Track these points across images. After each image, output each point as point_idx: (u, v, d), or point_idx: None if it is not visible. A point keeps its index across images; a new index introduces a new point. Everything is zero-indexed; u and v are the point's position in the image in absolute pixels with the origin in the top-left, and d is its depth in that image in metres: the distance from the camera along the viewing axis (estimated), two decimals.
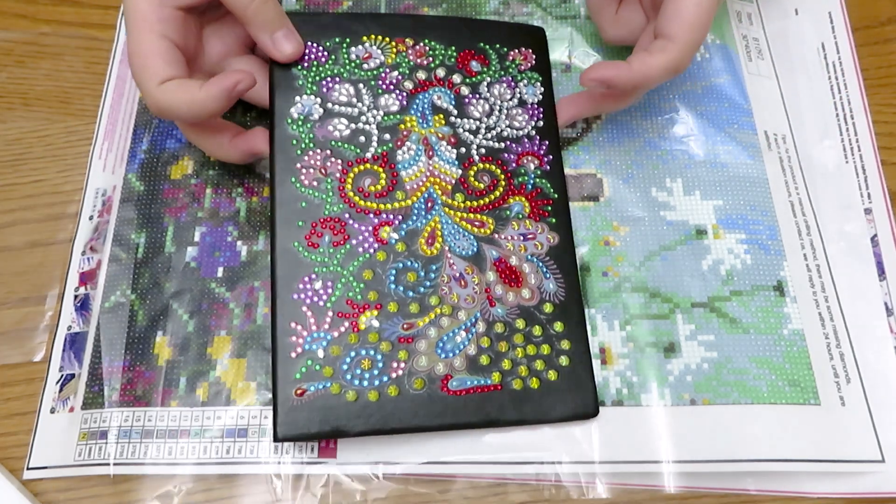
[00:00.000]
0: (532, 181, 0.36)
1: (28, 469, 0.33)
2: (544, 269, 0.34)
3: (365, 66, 0.36)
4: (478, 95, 0.36)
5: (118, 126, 0.41)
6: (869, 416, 0.33)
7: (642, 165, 0.38)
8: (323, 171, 0.33)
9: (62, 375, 0.35)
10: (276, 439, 0.30)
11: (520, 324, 0.33)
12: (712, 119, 0.39)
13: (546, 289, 0.34)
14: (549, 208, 0.35)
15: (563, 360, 0.33)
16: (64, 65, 0.43)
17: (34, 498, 0.33)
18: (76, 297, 0.37)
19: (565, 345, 0.33)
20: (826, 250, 0.37)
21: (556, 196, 0.36)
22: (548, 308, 0.33)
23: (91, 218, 0.39)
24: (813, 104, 0.41)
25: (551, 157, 0.36)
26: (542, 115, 0.37)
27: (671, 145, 0.39)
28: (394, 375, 0.31)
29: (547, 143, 0.37)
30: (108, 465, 0.32)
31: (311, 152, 0.34)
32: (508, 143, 0.36)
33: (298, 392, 0.30)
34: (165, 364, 0.34)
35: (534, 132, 0.37)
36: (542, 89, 0.38)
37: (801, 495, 0.32)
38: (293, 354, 0.31)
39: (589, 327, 0.34)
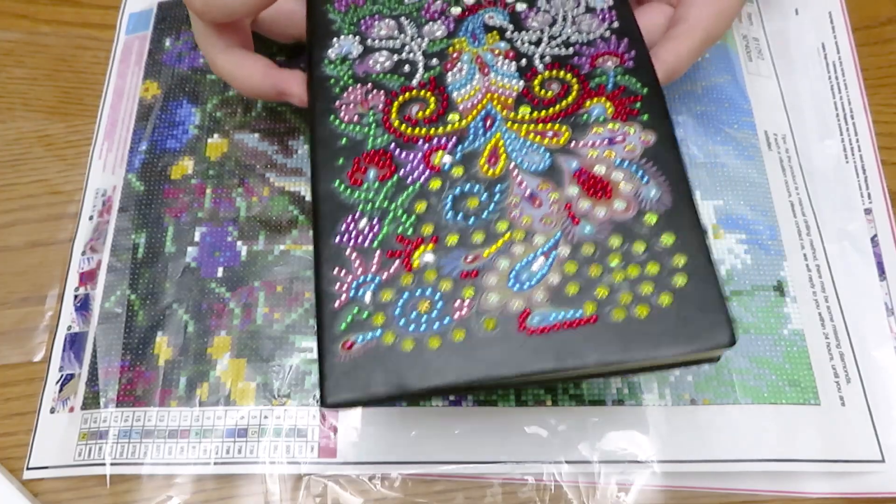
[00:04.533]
0: (613, 80, 0.30)
1: (28, 469, 0.33)
2: (641, 174, 0.28)
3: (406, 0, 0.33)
4: (536, 9, 0.32)
5: (118, 126, 0.41)
6: (869, 416, 0.33)
7: None
8: (364, 104, 0.30)
9: (62, 375, 0.35)
10: (323, 404, 0.25)
11: (615, 241, 0.27)
12: (712, 119, 0.39)
13: (646, 196, 0.27)
14: (639, 105, 0.29)
15: (679, 280, 0.26)
16: (64, 65, 0.43)
17: (34, 498, 0.33)
18: (76, 297, 0.37)
19: (679, 260, 0.26)
20: (826, 250, 0.37)
21: (645, 91, 0.30)
22: (651, 219, 0.27)
23: (91, 218, 0.39)
24: (813, 104, 0.41)
25: (634, 52, 0.31)
26: (615, 17, 0.32)
27: None
28: (457, 316, 0.26)
29: (626, 40, 0.31)
30: (107, 465, 0.32)
31: (350, 88, 0.30)
32: (579, 46, 0.31)
33: (346, 346, 0.25)
34: (165, 364, 0.34)
35: (608, 33, 0.31)
36: None
37: (801, 495, 0.32)
38: (336, 305, 0.26)
39: None
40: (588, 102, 0.30)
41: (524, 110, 0.29)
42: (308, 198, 0.37)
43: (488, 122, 0.29)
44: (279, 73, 0.33)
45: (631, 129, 0.29)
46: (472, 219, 0.27)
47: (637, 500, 0.32)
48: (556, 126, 0.29)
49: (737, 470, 0.32)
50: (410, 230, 0.27)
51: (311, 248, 0.35)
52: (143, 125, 0.40)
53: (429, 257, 0.27)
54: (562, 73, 0.30)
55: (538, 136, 0.29)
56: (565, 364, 0.25)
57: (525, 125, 0.29)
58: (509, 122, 0.29)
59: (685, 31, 0.33)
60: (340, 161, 0.29)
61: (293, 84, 0.33)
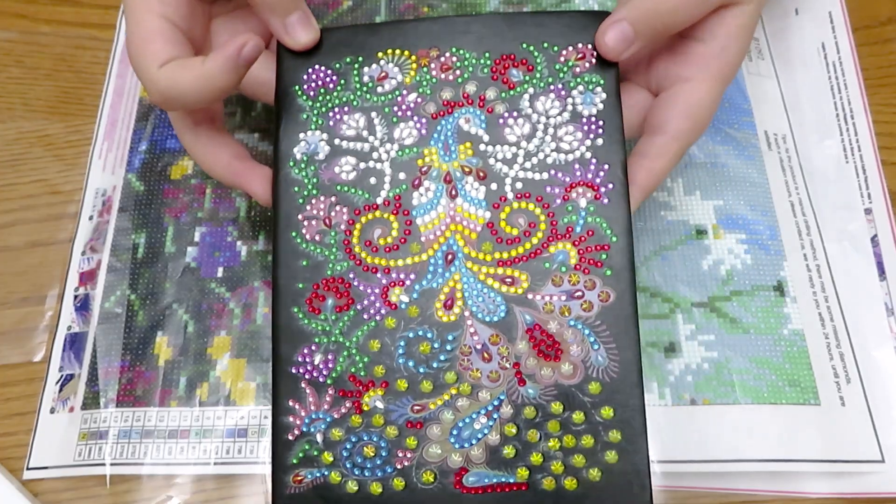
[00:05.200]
0: (583, 220, 0.28)
1: (28, 469, 0.33)
2: (592, 338, 0.27)
3: (379, 89, 0.30)
4: (516, 113, 0.29)
5: (118, 126, 0.41)
6: (869, 416, 0.33)
7: None
8: (327, 221, 0.29)
9: (62, 375, 0.35)
10: None
11: (556, 408, 0.27)
12: (712, 119, 0.39)
13: (593, 363, 0.27)
14: (605, 256, 0.28)
15: (611, 456, 0.27)
16: (64, 65, 0.43)
17: (34, 498, 0.33)
18: (76, 297, 0.37)
19: (614, 436, 0.27)
20: (826, 250, 0.37)
21: (615, 240, 0.28)
22: (594, 388, 0.27)
23: (91, 218, 0.38)
24: (813, 104, 0.41)
25: (612, 185, 0.28)
26: (601, 130, 0.29)
27: None
28: (399, 466, 0.27)
29: (607, 166, 0.29)
30: (107, 465, 0.32)
31: (314, 200, 0.29)
32: (553, 172, 0.29)
33: (296, 479, 0.27)
34: (165, 364, 0.34)
35: (588, 154, 0.29)
36: (605, 96, 0.29)
37: (801, 495, 0.32)
38: (290, 437, 0.28)
39: None
40: (553, 247, 0.28)
41: (486, 247, 0.28)
42: None
43: (449, 258, 0.28)
44: (243, 168, 0.31)
45: (590, 283, 0.28)
46: (422, 367, 0.28)
47: None
48: (517, 273, 0.28)
49: (737, 470, 0.32)
50: (363, 372, 0.28)
51: None
52: (143, 125, 0.40)
53: (378, 402, 0.28)
54: (531, 205, 0.29)
55: (497, 282, 0.28)
56: None
57: (485, 267, 0.28)
58: (470, 262, 0.28)
59: (662, 146, 0.30)
60: (300, 285, 0.29)
61: (256, 184, 0.31)
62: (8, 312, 0.37)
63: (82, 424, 0.34)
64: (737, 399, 0.33)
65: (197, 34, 0.31)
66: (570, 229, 0.28)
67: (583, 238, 0.28)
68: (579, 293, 0.28)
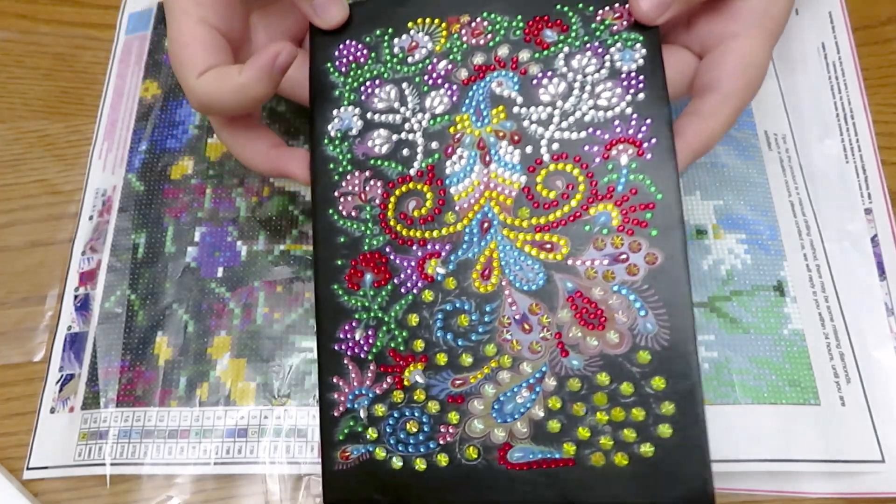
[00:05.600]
0: (625, 179, 0.27)
1: (28, 469, 0.33)
2: (639, 304, 0.26)
3: (409, 59, 0.29)
4: (551, 73, 0.28)
5: (118, 126, 0.41)
6: (869, 416, 0.33)
7: None
8: (363, 196, 0.29)
9: (62, 375, 0.35)
10: (325, 502, 0.28)
11: (602, 379, 0.26)
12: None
13: (641, 330, 0.26)
14: (650, 215, 0.26)
15: (664, 430, 0.25)
16: (64, 65, 0.43)
17: (34, 498, 0.33)
18: (76, 297, 0.37)
19: (667, 409, 0.25)
20: (826, 250, 0.37)
21: (660, 197, 0.26)
22: (643, 357, 0.26)
23: (91, 218, 0.39)
24: (813, 104, 0.41)
25: (655, 140, 0.27)
26: (642, 85, 0.27)
27: None
28: (442, 442, 0.27)
29: (649, 121, 0.27)
30: (107, 465, 0.32)
31: (349, 175, 0.29)
32: (592, 130, 0.27)
33: (343, 455, 0.27)
34: (165, 364, 0.34)
35: (629, 109, 0.27)
36: (645, 52, 0.27)
37: (801, 495, 0.32)
38: (336, 413, 0.28)
39: None
40: (593, 209, 0.27)
41: (523, 213, 0.27)
42: (308, 198, 0.37)
43: (485, 227, 0.28)
44: (280, 155, 0.32)
45: (635, 245, 0.26)
46: (461, 340, 0.27)
47: None
48: (556, 238, 0.27)
49: (737, 470, 0.32)
50: (403, 346, 0.28)
51: (310, 248, 0.36)
52: (143, 125, 0.40)
53: (419, 377, 0.27)
54: (569, 166, 0.27)
55: (535, 249, 0.27)
56: (541, 501, 0.26)
57: (522, 234, 0.27)
58: (506, 230, 0.27)
59: (717, 104, 0.29)
60: (339, 262, 0.29)
61: (294, 167, 0.31)
62: (8, 312, 0.37)
63: (82, 424, 0.34)
64: (737, 399, 0.33)
65: (236, 32, 0.31)
66: (611, 189, 0.27)
67: (625, 197, 0.27)
68: (624, 256, 0.26)
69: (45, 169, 0.40)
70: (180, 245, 0.36)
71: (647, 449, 0.25)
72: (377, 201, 0.29)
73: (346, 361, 0.28)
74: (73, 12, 0.45)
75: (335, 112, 0.30)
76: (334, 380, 0.28)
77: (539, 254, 0.27)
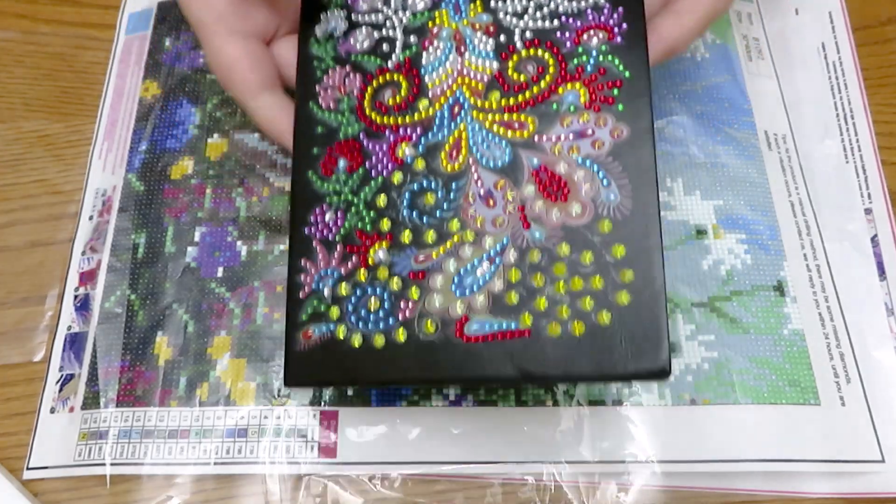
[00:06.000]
0: (594, 60, 0.27)
1: (28, 469, 0.33)
2: (602, 174, 0.26)
3: None
4: None
5: (118, 126, 0.41)
6: (869, 416, 0.33)
7: None
8: (342, 89, 0.30)
9: (62, 375, 0.35)
10: (285, 384, 0.28)
11: (563, 250, 0.26)
12: (712, 119, 0.39)
13: (604, 200, 0.26)
14: (616, 92, 0.27)
15: (622, 297, 0.25)
16: (64, 65, 0.43)
17: (34, 498, 0.33)
18: (76, 297, 0.37)
19: (626, 276, 0.25)
20: (826, 250, 0.37)
21: (627, 74, 0.27)
22: (605, 226, 0.26)
23: (91, 218, 0.39)
24: (813, 104, 0.41)
25: (626, 26, 0.28)
26: None
27: (671, 146, 0.39)
28: (401, 317, 0.27)
29: (622, 9, 0.28)
30: (107, 465, 0.32)
31: (330, 71, 0.30)
32: (565, 19, 0.28)
33: (306, 335, 0.27)
34: (165, 364, 0.34)
35: (604, 0, 0.28)
36: None
37: (801, 495, 0.32)
38: (301, 295, 0.28)
39: None
40: (561, 88, 0.28)
41: (494, 96, 0.28)
42: None
43: (455, 110, 0.28)
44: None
45: (601, 120, 0.27)
46: (426, 217, 0.27)
47: (637, 500, 0.32)
48: (524, 117, 0.28)
49: (737, 470, 0.32)
50: (369, 226, 0.28)
51: None
52: (143, 125, 0.40)
53: (382, 255, 0.27)
54: (540, 51, 0.28)
55: (502, 128, 0.28)
56: (496, 374, 0.25)
57: (491, 114, 0.28)
58: (475, 112, 0.28)
59: (693, 2, 0.30)
60: (315, 151, 0.29)
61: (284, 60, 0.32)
62: (8, 312, 0.37)
63: (82, 424, 0.34)
64: (737, 399, 0.33)
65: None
66: (580, 69, 0.28)
67: (594, 77, 0.27)
68: (590, 131, 0.27)
69: (45, 169, 0.40)
70: (180, 245, 0.36)
71: (604, 317, 0.25)
72: (355, 92, 0.30)
73: (314, 244, 0.28)
74: (73, 12, 0.45)
75: (322, 15, 0.31)
76: (302, 262, 0.28)
77: (507, 133, 0.28)
